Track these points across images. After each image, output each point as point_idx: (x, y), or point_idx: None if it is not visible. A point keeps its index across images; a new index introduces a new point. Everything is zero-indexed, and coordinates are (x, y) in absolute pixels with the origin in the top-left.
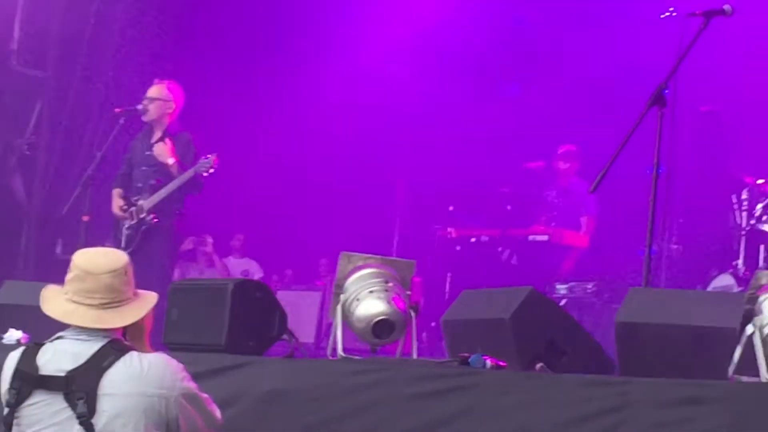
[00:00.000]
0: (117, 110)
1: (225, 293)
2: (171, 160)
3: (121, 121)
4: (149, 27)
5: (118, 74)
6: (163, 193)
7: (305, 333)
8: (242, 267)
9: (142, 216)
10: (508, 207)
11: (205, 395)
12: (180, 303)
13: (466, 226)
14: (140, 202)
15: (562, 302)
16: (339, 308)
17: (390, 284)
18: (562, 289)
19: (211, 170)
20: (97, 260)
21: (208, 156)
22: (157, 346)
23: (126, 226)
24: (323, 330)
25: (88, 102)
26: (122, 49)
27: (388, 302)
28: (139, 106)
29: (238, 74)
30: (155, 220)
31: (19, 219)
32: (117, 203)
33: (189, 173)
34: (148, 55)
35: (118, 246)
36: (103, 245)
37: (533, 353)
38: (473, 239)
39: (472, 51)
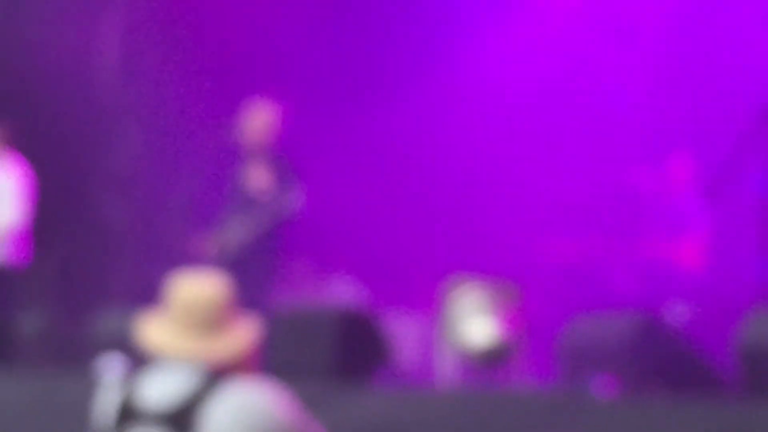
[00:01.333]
0: (215, 134)
1: (330, 320)
2: (266, 188)
3: (221, 145)
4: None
5: (217, 96)
6: (259, 221)
7: (412, 359)
8: (346, 290)
9: (241, 242)
10: (618, 223)
11: (314, 425)
12: (284, 331)
13: (572, 244)
14: (240, 229)
15: (676, 322)
16: (447, 332)
17: (499, 308)
18: (675, 309)
19: (295, 207)
20: (198, 289)
21: (296, 192)
22: (260, 375)
23: (226, 251)
24: (431, 356)
25: (186, 125)
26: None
27: (498, 327)
28: (237, 131)
29: (343, 82)
30: (252, 246)
31: (117, 246)
32: (215, 232)
33: (276, 206)
34: (247, 73)
35: (218, 273)
36: (202, 273)
37: (649, 378)
38: (581, 258)
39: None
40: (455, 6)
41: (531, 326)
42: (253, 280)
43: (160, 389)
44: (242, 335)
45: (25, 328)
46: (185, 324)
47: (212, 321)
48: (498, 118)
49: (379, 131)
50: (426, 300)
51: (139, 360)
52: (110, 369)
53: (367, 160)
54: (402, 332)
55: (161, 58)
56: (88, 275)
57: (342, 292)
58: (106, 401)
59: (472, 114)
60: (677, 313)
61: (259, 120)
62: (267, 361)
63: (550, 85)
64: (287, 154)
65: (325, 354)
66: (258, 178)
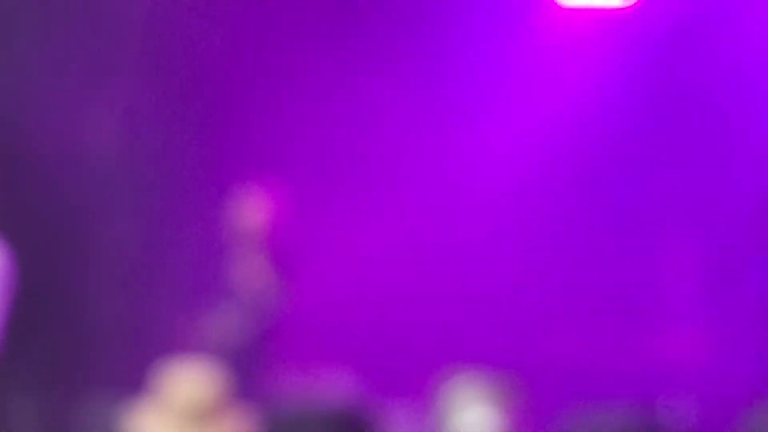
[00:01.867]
0: (207, 222)
1: (324, 417)
2: (254, 280)
3: (212, 232)
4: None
5: (209, 180)
6: (247, 313)
7: None
8: (337, 383)
9: (230, 333)
10: (614, 316)
11: None
12: (276, 429)
13: (570, 337)
14: (229, 319)
15: (673, 417)
16: (443, 427)
17: (496, 401)
18: (672, 403)
19: (280, 304)
20: (189, 383)
21: (280, 286)
22: None
23: (215, 341)
24: None
25: (177, 210)
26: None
27: (495, 420)
28: (229, 220)
29: (339, 164)
30: (243, 337)
31: (105, 333)
32: (204, 321)
33: (260, 300)
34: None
35: (208, 363)
36: (194, 363)
37: None
38: (576, 350)
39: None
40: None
41: (527, 420)
42: (243, 373)
43: None
44: (234, 427)
45: (12, 417)
46: (177, 415)
47: (203, 414)
48: (492, 213)
49: (370, 221)
50: (421, 392)
51: None
52: None
53: (358, 249)
54: (396, 426)
55: (157, 142)
56: (76, 363)
57: (334, 385)
58: None
59: (469, 200)
60: (674, 408)
61: (249, 212)
62: None
63: (546, 173)
64: (277, 244)
65: None
66: (247, 271)
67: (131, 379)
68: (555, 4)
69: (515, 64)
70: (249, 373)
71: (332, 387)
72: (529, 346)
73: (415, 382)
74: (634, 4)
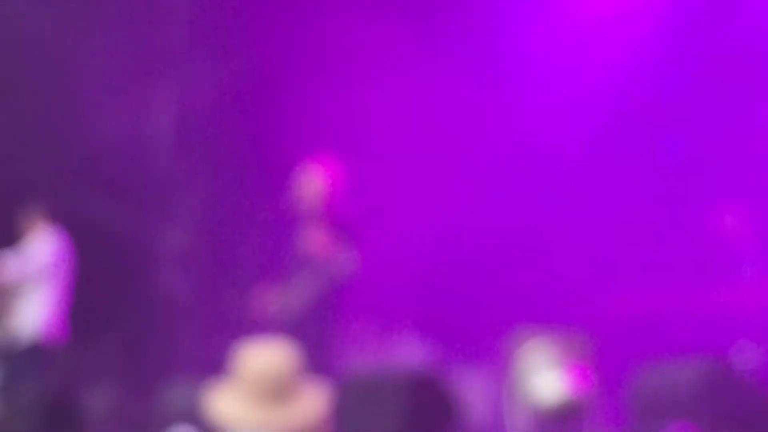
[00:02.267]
0: (268, 204)
1: (398, 384)
2: (324, 252)
3: (277, 211)
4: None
5: (272, 162)
6: (318, 285)
7: (482, 417)
8: (410, 349)
9: (302, 307)
10: (678, 268)
11: None
12: (351, 396)
13: (636, 292)
14: (298, 293)
15: (745, 366)
16: (516, 388)
17: (569, 362)
18: (741, 352)
19: (351, 271)
20: (265, 359)
21: (349, 254)
22: None
23: (288, 317)
24: (501, 412)
25: (242, 194)
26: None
27: (569, 380)
28: (293, 196)
29: (399, 140)
30: (315, 310)
31: (181, 318)
32: (269, 295)
33: (331, 269)
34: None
35: (281, 338)
36: (268, 342)
37: (720, 423)
38: (646, 306)
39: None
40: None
41: (601, 378)
42: (316, 345)
43: None
44: (311, 403)
45: (93, 405)
46: (254, 394)
47: (281, 390)
48: (564, 171)
49: (439, 185)
50: (495, 355)
51: (209, 428)
52: None
53: (428, 214)
54: (471, 389)
55: (215, 128)
56: (153, 349)
57: (408, 351)
58: None
59: (537, 163)
60: (745, 357)
61: (313, 184)
62: (336, 427)
63: (608, 133)
64: (344, 215)
65: (395, 418)
66: (315, 242)
67: (209, 364)
68: None
69: (565, 29)
70: (321, 346)
71: (405, 353)
72: (599, 305)
73: (489, 345)
74: None
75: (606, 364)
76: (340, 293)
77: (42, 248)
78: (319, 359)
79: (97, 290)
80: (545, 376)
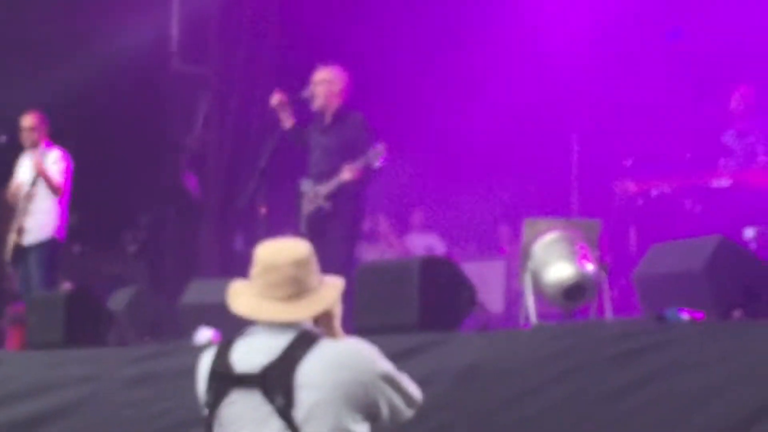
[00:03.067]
0: (283, 99)
1: (412, 272)
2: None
3: (292, 110)
4: (309, 12)
5: (281, 63)
6: (335, 181)
7: (494, 303)
8: (424, 243)
9: (320, 203)
10: (687, 155)
11: (403, 376)
12: (367, 286)
13: (645, 178)
14: (318, 188)
15: (752, 245)
16: (528, 275)
17: (577, 246)
18: (750, 233)
19: (381, 162)
20: (280, 252)
21: (377, 146)
22: (347, 331)
23: (305, 212)
24: (512, 299)
25: (253, 94)
26: (284, 37)
27: (578, 265)
28: (306, 93)
29: (402, 44)
30: (332, 206)
31: (197, 217)
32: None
33: (359, 164)
34: (311, 40)
35: (297, 234)
36: (282, 236)
37: (729, 302)
38: (654, 191)
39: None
40: None
41: (610, 261)
42: (335, 239)
43: (252, 352)
44: (328, 294)
45: (116, 306)
46: (271, 286)
47: (297, 282)
48: (574, 60)
49: (452, 85)
50: (506, 244)
51: (230, 326)
52: (204, 337)
53: (438, 110)
54: (484, 279)
55: (227, 30)
56: (175, 249)
57: (423, 246)
58: (203, 369)
59: (549, 60)
60: (752, 236)
61: (328, 82)
62: (354, 312)
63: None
64: (361, 111)
65: (410, 304)
66: (330, 138)
67: (229, 262)
68: None
69: None
70: (341, 240)
71: (419, 249)
72: (608, 190)
73: (500, 234)
74: None
75: (615, 248)
76: (361, 189)
77: (54, 158)
78: (338, 253)
79: (116, 193)
80: (556, 261)
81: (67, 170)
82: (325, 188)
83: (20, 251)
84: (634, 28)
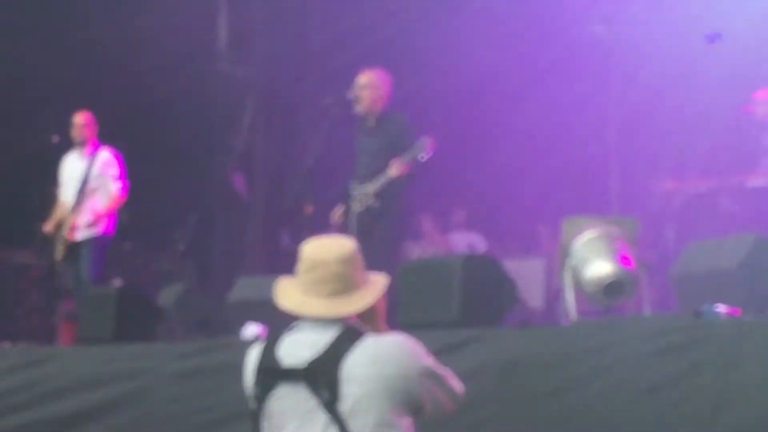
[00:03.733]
0: (328, 101)
1: (454, 269)
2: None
3: (334, 111)
4: (354, 15)
5: (326, 64)
6: (382, 179)
7: (534, 300)
8: (466, 241)
9: (368, 202)
10: (725, 154)
11: (445, 370)
12: (410, 283)
13: (683, 177)
14: (366, 187)
15: None
16: (568, 273)
17: (616, 244)
18: None
19: (426, 155)
20: (326, 250)
21: (421, 139)
22: (391, 328)
23: (355, 212)
24: (552, 296)
25: (299, 95)
26: (329, 39)
27: (617, 262)
28: (350, 96)
29: (443, 43)
30: (380, 204)
31: (244, 216)
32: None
33: (405, 158)
34: (355, 42)
35: (344, 233)
36: (328, 235)
37: (766, 299)
38: (691, 190)
39: None
40: None
41: (649, 258)
42: (382, 237)
43: (298, 347)
44: (373, 290)
45: (164, 303)
46: (317, 283)
47: (343, 278)
48: (613, 58)
49: (494, 84)
50: (546, 242)
51: (276, 322)
52: (251, 333)
53: (480, 110)
54: (524, 278)
55: (273, 33)
56: (223, 247)
57: (465, 244)
58: (251, 363)
59: (587, 59)
60: None
61: (371, 86)
62: (397, 308)
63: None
64: (404, 112)
65: (452, 301)
66: (375, 141)
67: (276, 260)
68: None
69: None
70: (385, 239)
71: (461, 247)
72: (645, 189)
73: (540, 233)
74: None
75: (653, 246)
76: (404, 189)
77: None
78: (382, 252)
79: (166, 192)
80: (596, 258)
81: (121, 171)
82: (373, 186)
83: (72, 248)
84: (673, 26)
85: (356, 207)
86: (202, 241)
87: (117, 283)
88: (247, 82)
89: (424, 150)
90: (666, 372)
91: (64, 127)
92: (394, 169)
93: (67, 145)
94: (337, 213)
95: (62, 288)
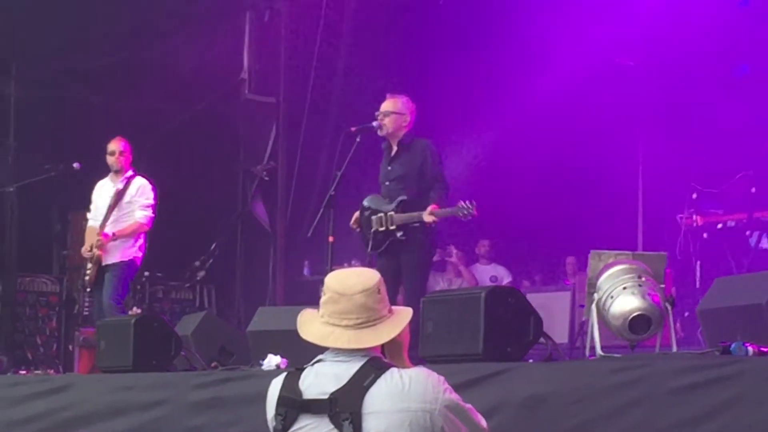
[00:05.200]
0: (352, 129)
1: (478, 302)
2: (430, 218)
3: (357, 139)
4: (375, 44)
5: (348, 93)
6: (413, 217)
7: (559, 334)
8: (490, 273)
9: (390, 227)
10: (753, 189)
11: (468, 405)
12: (434, 315)
13: (711, 212)
14: (391, 214)
15: None
16: (593, 307)
17: (643, 279)
18: None
19: (470, 217)
20: (350, 281)
21: (469, 203)
22: (414, 360)
23: (373, 230)
24: (576, 330)
25: (321, 123)
26: (350, 68)
27: (643, 297)
28: (374, 123)
29: (462, 81)
30: (404, 236)
31: (265, 244)
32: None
33: (446, 212)
34: (376, 71)
35: (364, 260)
36: (350, 265)
37: None
38: (719, 225)
39: (703, 32)
40: None
41: (675, 293)
42: (406, 268)
43: (321, 379)
44: (397, 322)
45: (185, 330)
46: (341, 314)
47: (367, 310)
48: (642, 91)
49: (520, 116)
50: (572, 275)
51: (296, 353)
52: (272, 364)
53: (506, 141)
54: (549, 308)
55: (297, 60)
56: (243, 276)
57: (489, 276)
58: (273, 395)
59: (618, 89)
60: None
61: (395, 112)
62: (420, 341)
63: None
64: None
65: (476, 334)
66: (398, 167)
67: (298, 290)
68: None
69: None
70: (409, 268)
71: (485, 278)
72: (673, 224)
73: (567, 266)
74: None
75: (680, 281)
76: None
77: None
78: (406, 282)
79: (186, 220)
80: (622, 293)
81: (154, 201)
82: (400, 218)
83: (100, 273)
84: (701, 60)
85: (375, 224)
86: (222, 269)
87: (136, 311)
88: (271, 109)
89: (467, 213)
90: (694, 410)
91: (87, 153)
92: (430, 217)
93: (88, 171)
94: (354, 219)
95: (80, 315)
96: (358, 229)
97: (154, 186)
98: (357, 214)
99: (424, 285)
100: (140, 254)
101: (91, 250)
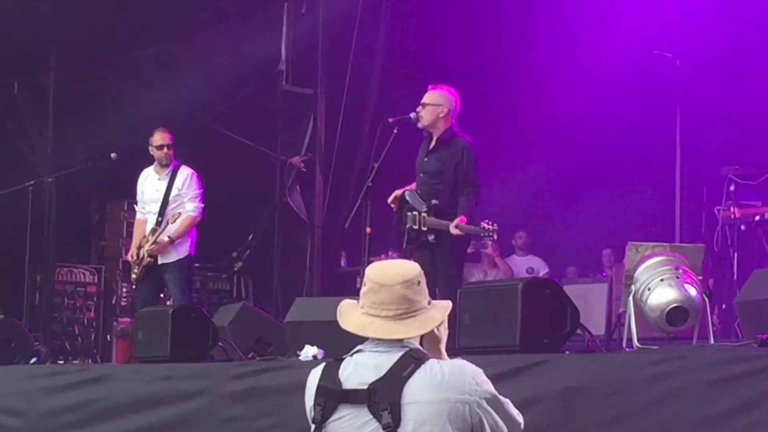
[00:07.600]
0: (390, 120)
1: (515, 293)
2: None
3: (395, 130)
4: (414, 35)
5: (386, 84)
6: (443, 224)
7: (595, 325)
8: (527, 265)
9: (422, 227)
10: None
11: (505, 399)
12: (471, 307)
13: (748, 204)
14: (424, 215)
15: None
16: (631, 299)
17: (680, 270)
18: None
19: (490, 240)
20: (390, 272)
21: (491, 224)
22: (451, 352)
23: (408, 226)
24: (613, 321)
25: (359, 114)
26: (388, 59)
27: (681, 289)
28: (413, 114)
29: (507, 67)
30: (432, 239)
31: (302, 235)
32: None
33: (470, 229)
34: (414, 62)
35: (401, 252)
36: (387, 256)
37: None
38: (757, 217)
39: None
40: None
41: (713, 285)
42: (438, 260)
43: (360, 369)
44: (436, 314)
45: (222, 321)
46: (381, 305)
47: (407, 301)
48: (681, 85)
49: (560, 111)
50: (609, 266)
51: (333, 344)
52: (310, 354)
53: (544, 136)
54: (586, 300)
55: (334, 51)
56: (280, 267)
57: (525, 268)
58: (312, 385)
59: (656, 83)
60: None
61: (434, 104)
62: (457, 333)
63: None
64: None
65: (513, 326)
66: (433, 162)
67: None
68: None
69: None
70: (446, 260)
71: (522, 271)
72: (708, 216)
73: (604, 257)
74: None
75: (718, 273)
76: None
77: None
78: (443, 273)
79: (224, 211)
80: (659, 285)
81: (200, 191)
82: (431, 221)
83: (151, 271)
84: (739, 59)
85: (409, 221)
86: (260, 260)
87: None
88: (308, 101)
89: (487, 235)
90: (729, 402)
91: (123, 144)
92: (456, 230)
93: (126, 161)
94: (394, 196)
95: (118, 305)
96: (394, 207)
97: (198, 175)
98: (398, 191)
99: (460, 276)
100: (193, 245)
101: (139, 252)
